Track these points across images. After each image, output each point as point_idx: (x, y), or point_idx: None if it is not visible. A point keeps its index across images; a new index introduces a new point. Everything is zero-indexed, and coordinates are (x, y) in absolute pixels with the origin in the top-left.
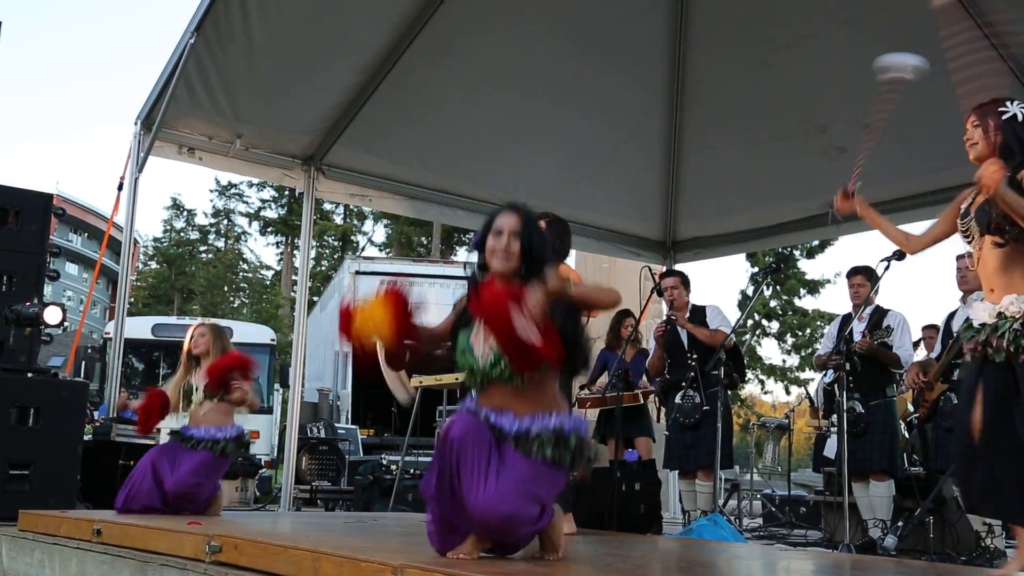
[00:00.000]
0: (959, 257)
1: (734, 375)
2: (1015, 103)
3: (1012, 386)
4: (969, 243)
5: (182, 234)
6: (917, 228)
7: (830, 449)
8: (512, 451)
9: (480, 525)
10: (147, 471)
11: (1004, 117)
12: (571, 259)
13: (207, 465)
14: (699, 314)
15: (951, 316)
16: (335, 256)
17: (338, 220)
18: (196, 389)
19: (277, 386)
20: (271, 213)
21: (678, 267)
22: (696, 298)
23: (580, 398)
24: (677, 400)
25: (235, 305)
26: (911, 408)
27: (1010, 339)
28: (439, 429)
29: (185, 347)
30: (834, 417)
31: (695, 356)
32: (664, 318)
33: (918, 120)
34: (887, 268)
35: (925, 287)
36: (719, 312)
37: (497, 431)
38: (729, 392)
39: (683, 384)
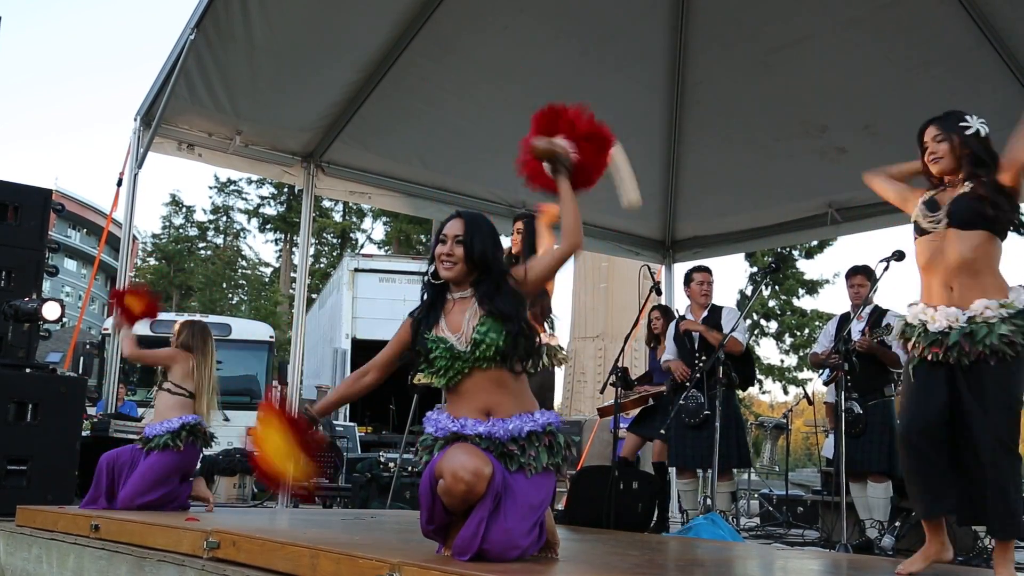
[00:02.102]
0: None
1: (732, 375)
2: (974, 118)
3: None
4: (924, 232)
5: (181, 231)
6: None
7: (828, 449)
8: (511, 475)
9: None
10: (101, 474)
11: (967, 133)
12: (569, 259)
13: (154, 467)
14: (715, 314)
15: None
16: (334, 253)
17: (337, 217)
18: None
19: (275, 383)
20: (270, 210)
21: (677, 267)
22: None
23: (600, 408)
24: (682, 401)
25: (234, 302)
26: None
27: (987, 344)
28: (425, 467)
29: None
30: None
31: (703, 358)
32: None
33: (915, 120)
34: (886, 268)
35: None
36: (736, 315)
37: (486, 441)
38: (738, 392)
39: (688, 384)
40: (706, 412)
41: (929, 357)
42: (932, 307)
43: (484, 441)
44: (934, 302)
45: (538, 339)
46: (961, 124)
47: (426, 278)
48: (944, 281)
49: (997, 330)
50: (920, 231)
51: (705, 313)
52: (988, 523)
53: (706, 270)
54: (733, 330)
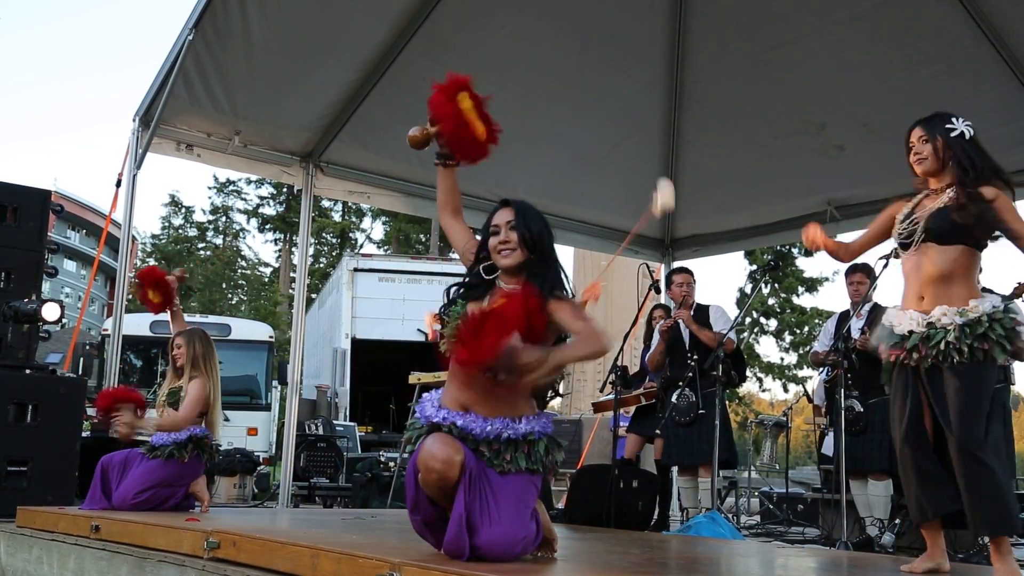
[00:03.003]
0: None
1: (732, 373)
2: (959, 120)
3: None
4: (905, 247)
5: (180, 231)
6: (848, 238)
7: (828, 447)
8: (495, 475)
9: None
10: (96, 477)
11: (953, 135)
12: (568, 257)
13: (153, 471)
14: (702, 314)
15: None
16: (333, 253)
17: (336, 217)
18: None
19: (275, 383)
20: (269, 210)
21: (677, 264)
22: (696, 295)
23: (594, 403)
24: (674, 399)
25: (233, 302)
26: None
27: (941, 349)
28: (411, 457)
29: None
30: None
31: (695, 356)
32: (670, 315)
33: (913, 117)
34: (885, 266)
35: None
36: (723, 313)
37: (463, 435)
38: (727, 391)
39: (680, 383)
40: (700, 411)
41: (893, 359)
42: (903, 311)
43: (457, 431)
44: (907, 308)
45: None
46: (947, 126)
47: (475, 272)
48: (917, 291)
49: (949, 336)
50: (902, 247)
51: (691, 313)
52: (966, 521)
53: (685, 271)
54: (731, 330)
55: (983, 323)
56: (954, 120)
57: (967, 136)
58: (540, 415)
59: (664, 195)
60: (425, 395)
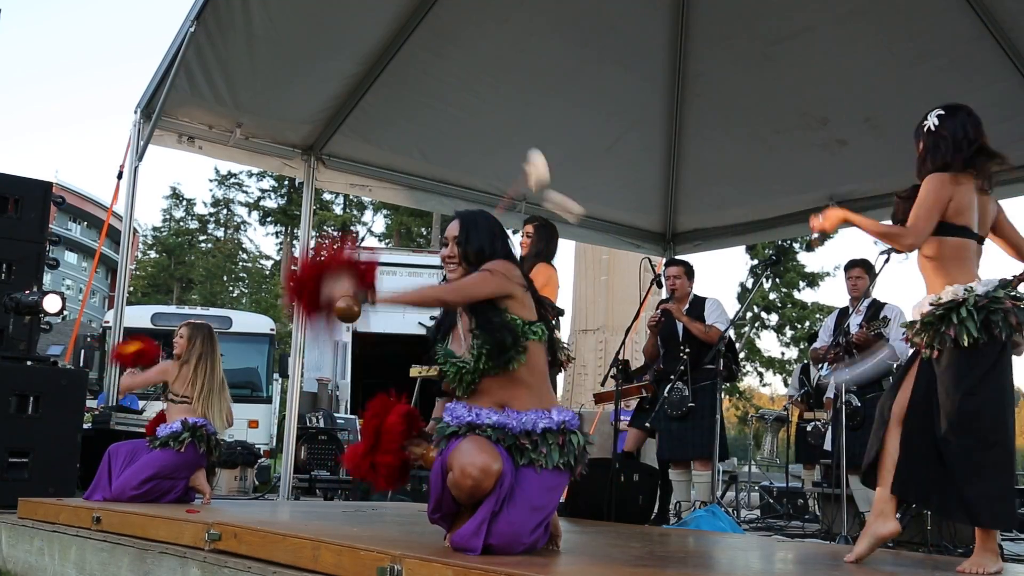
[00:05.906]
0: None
1: (732, 367)
2: (932, 113)
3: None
4: None
5: (181, 223)
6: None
7: (829, 442)
8: (523, 470)
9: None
10: (104, 464)
11: (924, 130)
12: (569, 252)
13: (152, 462)
14: (698, 306)
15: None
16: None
17: (338, 210)
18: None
19: (276, 376)
20: (271, 203)
21: (676, 257)
22: (696, 290)
23: (596, 394)
24: (665, 393)
25: (234, 295)
26: None
27: (927, 337)
28: (436, 456)
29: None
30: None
31: (687, 349)
32: (660, 308)
33: (915, 112)
34: (886, 261)
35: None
36: (718, 306)
37: (499, 431)
38: (727, 384)
39: (671, 377)
40: (690, 404)
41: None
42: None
43: (496, 431)
44: None
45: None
46: (922, 123)
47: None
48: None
49: (928, 324)
50: None
51: (687, 306)
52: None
53: (677, 264)
54: (728, 327)
55: (943, 307)
56: (928, 116)
57: (933, 127)
58: (563, 408)
59: (537, 168)
60: (448, 405)
